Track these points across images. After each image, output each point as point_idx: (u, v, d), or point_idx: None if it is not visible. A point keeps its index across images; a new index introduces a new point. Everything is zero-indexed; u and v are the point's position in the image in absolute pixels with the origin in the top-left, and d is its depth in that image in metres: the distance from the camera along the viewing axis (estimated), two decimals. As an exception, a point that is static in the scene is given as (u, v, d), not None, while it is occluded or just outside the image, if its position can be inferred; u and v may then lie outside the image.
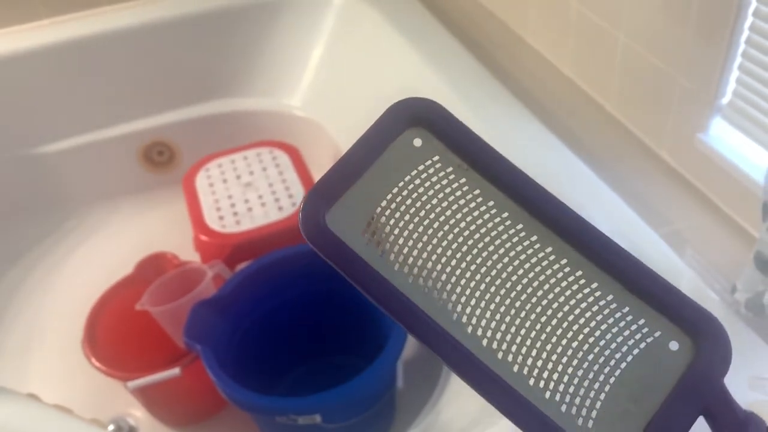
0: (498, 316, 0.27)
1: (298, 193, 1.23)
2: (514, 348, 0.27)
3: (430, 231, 0.28)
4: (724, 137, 0.93)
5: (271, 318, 1.10)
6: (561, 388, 0.27)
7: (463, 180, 0.29)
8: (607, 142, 1.09)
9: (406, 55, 1.28)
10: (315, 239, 0.27)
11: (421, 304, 0.27)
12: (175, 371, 0.98)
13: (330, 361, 1.16)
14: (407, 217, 0.28)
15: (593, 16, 1.09)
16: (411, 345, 1.01)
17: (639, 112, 1.07)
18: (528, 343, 0.27)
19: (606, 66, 1.10)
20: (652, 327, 0.27)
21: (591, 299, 0.28)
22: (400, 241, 0.28)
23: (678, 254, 0.87)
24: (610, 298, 0.28)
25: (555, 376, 0.27)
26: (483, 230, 0.28)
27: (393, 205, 0.28)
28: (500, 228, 0.28)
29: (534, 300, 0.27)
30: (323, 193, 0.28)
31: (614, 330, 0.27)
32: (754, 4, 0.83)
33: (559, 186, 1.01)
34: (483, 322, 0.27)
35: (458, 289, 0.27)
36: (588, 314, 0.27)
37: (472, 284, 0.28)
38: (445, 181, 0.28)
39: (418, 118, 0.29)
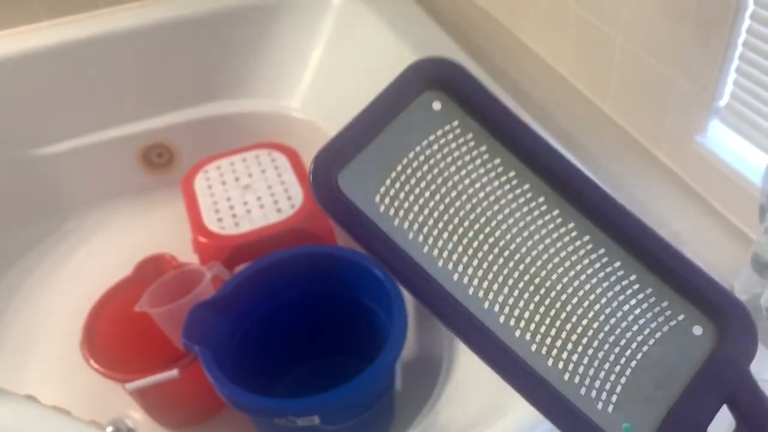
0: (516, 292, 0.26)
1: (297, 194, 1.23)
2: (532, 326, 0.26)
3: (447, 200, 0.27)
4: (721, 139, 0.93)
5: (270, 319, 1.10)
6: (580, 370, 0.26)
7: (484, 148, 0.27)
8: (605, 144, 1.09)
9: (404, 57, 1.29)
10: (326, 201, 0.26)
11: (434, 274, 0.26)
12: (174, 373, 0.98)
13: (329, 363, 1.16)
14: (423, 184, 0.27)
15: (592, 18, 1.09)
16: (410, 346, 1.01)
17: (637, 114, 1.07)
18: (547, 321, 0.26)
19: (604, 68, 1.10)
20: (676, 310, 0.27)
21: (613, 279, 0.27)
22: (415, 208, 0.26)
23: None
24: (633, 278, 0.27)
25: (574, 358, 0.26)
26: (502, 202, 0.27)
27: (408, 171, 0.27)
28: (520, 200, 0.27)
29: (554, 277, 0.26)
30: (335, 154, 0.26)
31: (636, 312, 0.26)
32: (751, 7, 0.83)
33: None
34: (500, 298, 0.26)
35: (475, 262, 0.26)
36: (609, 294, 0.26)
37: (490, 258, 0.26)
38: (464, 149, 0.27)
39: (438, 80, 0.28)
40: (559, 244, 0.27)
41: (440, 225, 0.26)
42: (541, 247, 0.27)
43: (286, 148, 1.33)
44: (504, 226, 0.27)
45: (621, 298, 0.26)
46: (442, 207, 0.27)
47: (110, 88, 1.45)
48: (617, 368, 0.26)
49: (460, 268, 0.26)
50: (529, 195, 0.27)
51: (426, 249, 0.26)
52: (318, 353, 1.16)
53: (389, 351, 0.93)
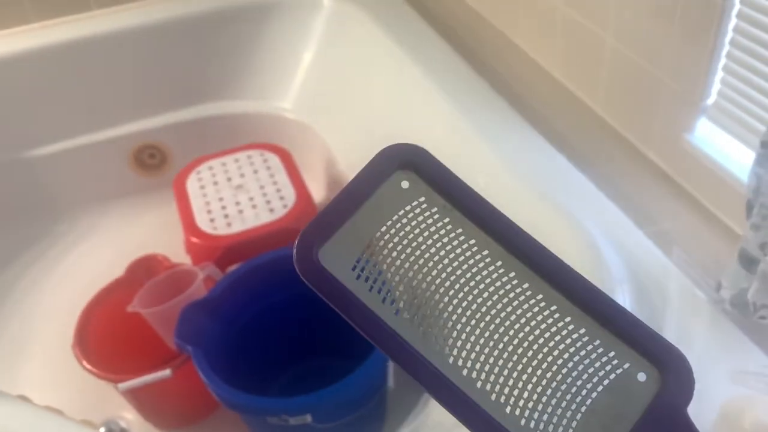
0: (478, 347, 0.29)
1: (289, 195, 1.23)
2: (492, 377, 0.29)
3: (416, 266, 0.30)
4: (709, 137, 0.94)
5: (262, 319, 1.10)
6: (536, 415, 0.28)
7: (447, 219, 0.31)
8: (595, 143, 1.10)
9: (395, 57, 1.29)
10: (308, 274, 0.29)
11: (405, 335, 0.29)
12: (166, 372, 0.98)
13: (322, 363, 1.16)
14: (395, 254, 0.30)
15: (581, 19, 1.10)
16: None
17: (626, 114, 1.08)
18: (505, 372, 0.29)
19: (594, 68, 1.11)
20: (622, 359, 0.29)
21: (565, 332, 0.29)
22: (388, 275, 0.30)
23: (665, 253, 0.88)
24: (582, 331, 0.30)
25: (530, 405, 0.28)
26: (465, 266, 0.30)
27: (382, 242, 0.30)
28: (481, 265, 0.30)
29: (511, 332, 0.29)
30: (316, 231, 0.30)
31: (586, 362, 0.29)
32: (737, 6, 0.84)
33: (546, 186, 1.02)
34: (463, 353, 0.29)
35: (441, 321, 0.29)
36: (562, 347, 0.29)
37: (455, 317, 0.29)
38: (430, 221, 0.30)
39: (406, 162, 0.31)
40: (515, 303, 0.30)
41: (410, 288, 0.30)
42: (499, 306, 0.30)
43: (279, 149, 1.33)
44: (467, 288, 0.30)
45: (572, 350, 0.29)
46: (411, 273, 0.30)
47: (102, 89, 1.45)
48: (569, 413, 0.29)
49: (429, 328, 0.29)
50: (488, 260, 0.30)
51: (397, 311, 0.29)
52: (310, 354, 1.16)
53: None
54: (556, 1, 1.14)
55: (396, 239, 0.30)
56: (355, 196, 0.30)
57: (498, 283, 0.30)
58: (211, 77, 1.50)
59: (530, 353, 0.29)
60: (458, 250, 0.30)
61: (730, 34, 0.86)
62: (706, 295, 0.82)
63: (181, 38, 1.47)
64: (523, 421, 0.28)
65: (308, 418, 0.90)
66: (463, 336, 0.29)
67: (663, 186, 1.00)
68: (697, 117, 0.95)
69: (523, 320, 0.29)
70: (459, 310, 0.29)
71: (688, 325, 0.79)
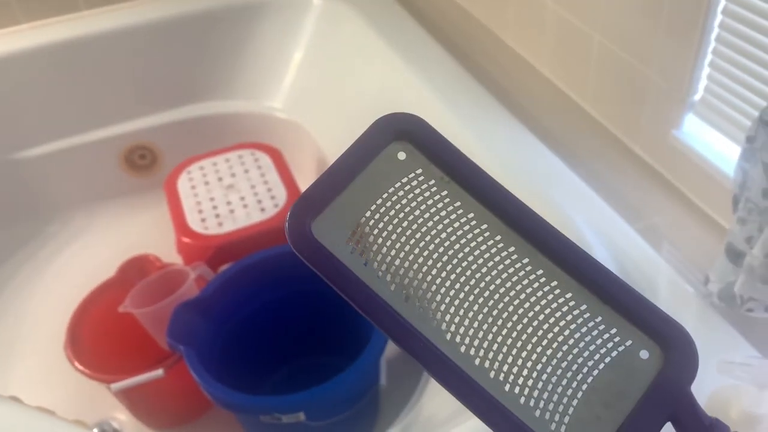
0: (476, 324, 0.28)
1: (280, 194, 1.23)
2: (491, 354, 0.28)
3: (413, 241, 0.29)
4: (696, 133, 0.95)
5: (254, 319, 1.10)
6: (536, 393, 0.28)
7: (445, 192, 0.30)
8: (584, 140, 1.10)
9: (385, 56, 1.30)
10: (300, 247, 0.28)
11: (402, 311, 0.28)
12: (159, 372, 0.98)
13: (314, 361, 1.17)
14: (390, 227, 0.29)
15: (569, 16, 1.10)
16: (394, 345, 1.02)
17: (615, 110, 1.09)
18: (504, 350, 0.28)
19: (582, 65, 1.11)
20: (624, 336, 0.29)
21: (565, 309, 0.29)
22: (384, 250, 0.29)
23: (654, 248, 0.89)
24: (584, 308, 0.29)
25: (530, 382, 0.28)
26: (463, 241, 0.29)
27: (377, 216, 0.29)
28: (479, 239, 0.29)
29: (511, 309, 0.28)
30: (309, 204, 0.29)
31: (587, 339, 0.28)
32: (723, 3, 0.85)
33: (536, 183, 1.03)
34: (461, 330, 0.28)
35: (438, 297, 0.28)
36: (562, 323, 0.28)
37: (452, 293, 0.29)
38: (427, 193, 0.29)
39: (402, 132, 0.30)
40: (515, 278, 0.29)
41: (406, 263, 0.29)
42: (498, 281, 0.29)
43: (269, 148, 1.34)
44: (465, 263, 0.29)
45: (573, 326, 0.29)
46: (407, 247, 0.29)
47: (92, 90, 1.45)
48: (570, 391, 0.28)
49: (425, 303, 0.29)
50: (487, 234, 0.29)
51: (393, 286, 0.29)
52: (303, 352, 1.17)
53: (373, 347, 0.93)
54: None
55: (392, 212, 0.29)
56: (350, 168, 0.29)
57: (497, 258, 0.29)
58: (202, 77, 1.50)
59: (530, 330, 0.28)
60: (456, 224, 0.29)
61: (716, 31, 0.87)
62: (694, 289, 0.82)
63: (171, 38, 1.47)
64: (522, 399, 0.28)
65: (301, 416, 0.91)
66: (461, 312, 0.28)
67: (651, 182, 1.01)
68: (685, 113, 0.95)
69: (522, 296, 0.29)
70: (457, 286, 0.29)
71: (676, 319, 0.79)
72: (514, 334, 0.28)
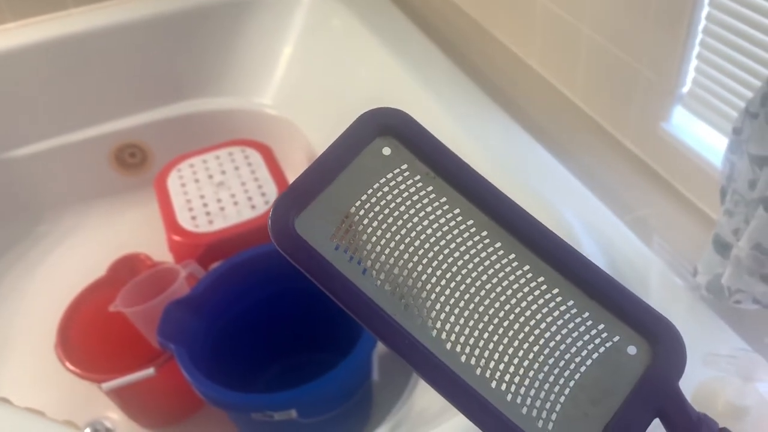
0: (462, 321, 0.28)
1: (271, 191, 1.23)
2: (477, 352, 0.28)
3: (398, 237, 0.29)
4: (685, 125, 0.95)
5: (245, 316, 1.10)
6: (522, 390, 0.27)
7: (431, 188, 0.29)
8: (574, 133, 1.10)
9: (375, 51, 1.29)
10: (283, 244, 0.28)
11: (386, 308, 0.28)
12: (150, 371, 0.98)
13: (306, 358, 1.17)
14: (375, 224, 0.29)
15: (557, 10, 1.10)
16: (385, 338, 1.02)
17: (604, 103, 1.09)
18: (491, 346, 0.28)
19: (571, 58, 1.11)
20: (611, 332, 0.28)
21: (552, 305, 0.28)
22: (368, 246, 0.28)
23: (643, 241, 0.89)
24: (570, 303, 0.29)
25: (516, 380, 0.28)
26: (449, 237, 0.29)
27: (362, 212, 0.29)
28: (465, 235, 0.29)
29: (497, 305, 0.28)
30: (292, 199, 0.28)
31: (574, 335, 0.28)
32: (709, -6, 0.85)
33: (525, 176, 1.03)
34: (447, 326, 0.28)
35: (424, 294, 0.28)
36: (549, 319, 0.28)
37: (438, 289, 0.28)
38: (412, 189, 0.29)
39: (387, 128, 0.30)
40: (501, 274, 0.29)
41: (391, 260, 0.28)
42: (484, 277, 0.29)
43: (260, 145, 1.33)
44: (450, 260, 0.29)
45: (560, 322, 0.28)
46: (393, 243, 0.29)
47: (81, 88, 1.44)
48: (557, 388, 0.28)
49: (410, 299, 0.28)
50: (473, 230, 0.29)
51: (378, 283, 0.28)
52: (295, 349, 1.16)
53: (364, 344, 0.93)
54: (533, -7, 1.14)
55: (377, 208, 0.29)
56: (334, 163, 0.29)
57: (483, 254, 0.29)
58: (191, 74, 1.49)
59: (516, 326, 0.28)
60: (442, 220, 0.29)
61: (703, 23, 0.87)
62: (683, 282, 0.82)
63: (160, 35, 1.46)
64: (509, 397, 0.27)
65: (293, 413, 0.91)
66: (447, 309, 0.28)
67: (640, 174, 1.01)
68: (673, 105, 0.95)
69: (509, 292, 0.28)
70: (443, 282, 0.28)
71: (666, 312, 0.79)
72: (501, 330, 0.28)
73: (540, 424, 0.27)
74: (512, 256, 0.29)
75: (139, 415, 1.13)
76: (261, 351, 1.14)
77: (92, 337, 1.09)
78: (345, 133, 0.30)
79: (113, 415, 1.14)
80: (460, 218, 0.29)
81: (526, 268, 0.29)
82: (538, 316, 0.28)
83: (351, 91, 1.33)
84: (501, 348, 0.28)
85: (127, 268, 1.14)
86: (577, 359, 0.28)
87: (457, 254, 0.29)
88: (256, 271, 1.08)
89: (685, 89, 0.93)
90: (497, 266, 0.29)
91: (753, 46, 0.80)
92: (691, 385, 0.60)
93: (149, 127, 1.48)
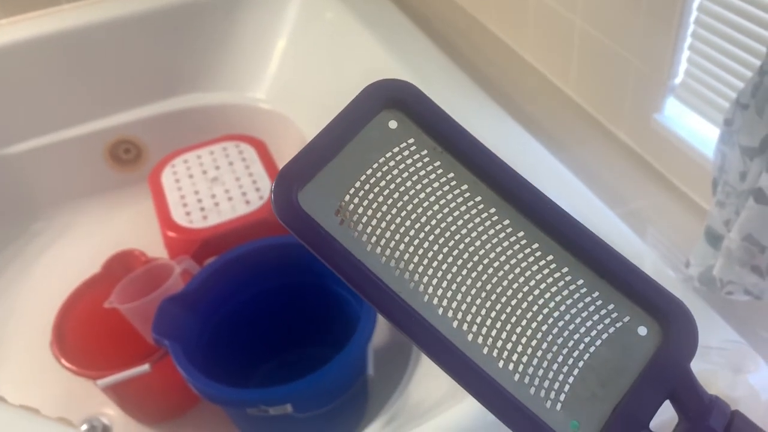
0: (469, 299, 0.27)
1: (265, 186, 1.23)
2: (484, 330, 0.27)
3: (404, 213, 0.28)
4: (678, 117, 0.95)
5: (240, 312, 1.10)
6: (530, 371, 0.27)
7: (438, 163, 0.28)
8: (567, 125, 1.10)
9: (368, 44, 1.29)
10: (286, 217, 0.27)
11: (392, 284, 0.27)
12: (145, 367, 0.98)
13: (301, 353, 1.17)
14: (381, 199, 0.28)
15: (550, 2, 1.10)
16: (381, 334, 1.02)
17: (597, 95, 1.09)
18: (498, 325, 0.27)
19: (564, 50, 1.11)
20: (621, 312, 0.28)
21: (561, 284, 0.28)
22: (373, 221, 0.28)
23: (636, 232, 0.89)
24: (580, 282, 0.28)
25: (524, 359, 0.27)
26: (456, 213, 0.28)
27: (367, 186, 0.28)
28: (473, 212, 0.28)
29: (505, 283, 0.28)
30: (296, 172, 0.28)
31: (584, 314, 0.28)
32: (701, -15, 0.84)
33: (518, 168, 1.02)
34: (454, 304, 0.27)
35: (430, 271, 0.27)
36: (558, 298, 0.28)
37: (444, 266, 0.28)
38: (419, 164, 0.28)
39: (393, 100, 0.29)
40: (509, 252, 0.28)
41: (397, 236, 0.28)
42: (492, 255, 0.28)
43: (254, 140, 1.33)
44: (457, 236, 0.28)
45: (569, 302, 0.28)
46: (399, 219, 0.28)
47: (74, 84, 1.44)
48: (565, 369, 0.27)
49: (416, 276, 0.28)
50: (481, 206, 0.28)
51: (383, 259, 0.28)
52: (291, 344, 1.17)
53: (359, 337, 0.93)
54: (525, -15, 1.14)
55: (383, 183, 0.28)
56: (338, 137, 0.28)
57: (491, 231, 0.28)
58: (185, 69, 1.49)
59: (525, 305, 0.27)
60: (449, 196, 0.28)
61: (694, 14, 0.87)
62: (676, 274, 0.83)
63: (152, 31, 1.45)
64: (517, 377, 0.27)
65: (288, 407, 0.91)
66: (454, 286, 0.27)
67: (634, 166, 1.01)
68: (666, 97, 0.95)
69: (517, 270, 0.28)
70: (450, 259, 0.28)
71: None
72: (509, 309, 0.27)
73: (548, 404, 0.27)
74: (521, 234, 0.28)
75: (136, 411, 1.13)
76: (256, 346, 1.14)
77: (87, 334, 1.09)
78: (350, 106, 0.29)
79: (110, 411, 1.14)
80: (468, 194, 0.28)
81: (535, 246, 0.28)
82: (547, 295, 0.28)
83: (344, 84, 1.33)
84: (508, 327, 0.27)
85: (121, 264, 1.13)
86: (587, 339, 0.27)
87: (464, 232, 0.28)
88: (251, 266, 1.08)
89: (678, 81, 0.93)
90: (505, 244, 0.28)
91: (744, 36, 0.80)
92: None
93: (143, 122, 1.47)
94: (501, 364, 0.27)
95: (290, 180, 0.27)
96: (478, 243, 0.28)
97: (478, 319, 0.27)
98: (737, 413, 0.27)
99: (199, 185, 1.24)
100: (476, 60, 1.26)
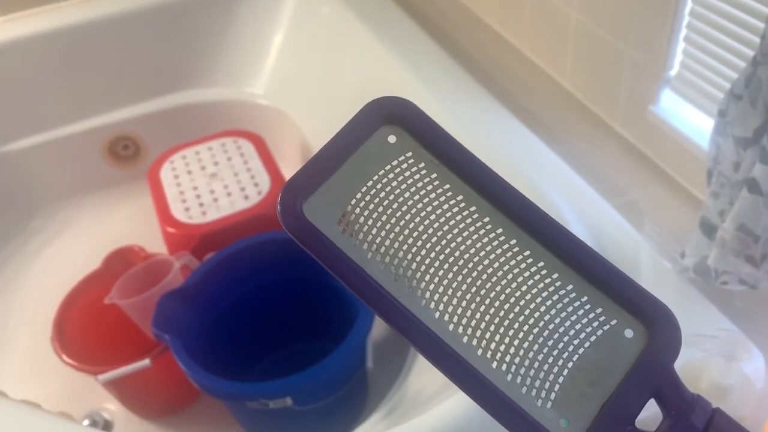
0: (464, 303, 0.29)
1: (264, 181, 1.23)
2: (478, 333, 0.29)
3: (402, 222, 0.29)
4: (673, 108, 0.95)
5: (240, 306, 1.11)
6: (522, 371, 0.28)
7: (435, 175, 0.30)
8: (563, 117, 1.11)
9: (365, 38, 1.29)
10: (292, 228, 0.29)
11: (391, 290, 0.29)
12: (146, 362, 0.99)
13: (301, 347, 1.17)
14: (381, 209, 0.29)
15: (546, -6, 1.10)
16: (380, 327, 1.03)
17: (593, 87, 1.09)
18: (492, 328, 0.29)
19: (560, 42, 1.11)
20: (609, 315, 0.29)
21: (552, 288, 0.29)
22: (374, 231, 0.29)
23: (632, 224, 0.90)
24: (570, 288, 0.29)
25: (517, 361, 0.29)
26: (452, 222, 0.30)
27: (367, 197, 0.30)
28: (468, 221, 0.30)
29: (498, 289, 0.29)
30: (301, 185, 0.29)
31: (573, 318, 0.29)
32: (695, -23, 0.84)
33: (514, 161, 1.03)
34: (449, 308, 0.29)
35: (427, 277, 0.29)
36: (549, 303, 0.29)
37: (440, 272, 0.29)
38: (417, 176, 0.30)
39: (392, 116, 0.31)
40: (502, 259, 0.30)
41: (395, 244, 0.29)
42: (486, 262, 0.29)
43: (252, 135, 1.33)
44: (453, 244, 0.30)
45: (559, 306, 0.29)
46: (397, 228, 0.30)
47: (73, 81, 1.44)
48: (556, 369, 0.29)
49: (414, 282, 0.29)
50: (475, 216, 0.30)
51: (383, 266, 0.29)
52: (290, 338, 1.17)
53: (358, 330, 0.94)
54: (521, -22, 1.14)
55: (382, 194, 0.30)
56: (340, 150, 0.30)
57: (485, 239, 0.30)
58: (182, 65, 1.49)
59: (517, 309, 0.29)
60: (445, 206, 0.30)
61: (689, 5, 0.87)
62: (672, 265, 0.83)
63: (150, 27, 1.46)
64: (509, 377, 0.28)
65: (288, 400, 0.91)
66: (450, 292, 0.29)
67: (630, 157, 1.01)
68: (661, 88, 0.96)
69: (510, 276, 0.29)
70: (446, 266, 0.29)
71: (655, 295, 0.80)
72: (502, 313, 0.29)
73: (539, 403, 0.28)
74: (513, 241, 0.30)
75: (137, 406, 1.14)
76: (256, 340, 1.15)
77: (88, 329, 1.09)
78: (351, 121, 0.31)
79: (111, 406, 1.15)
80: (463, 205, 0.30)
81: (527, 253, 0.30)
82: (538, 300, 0.29)
83: (341, 78, 1.33)
84: (502, 330, 0.29)
85: (121, 260, 1.14)
86: (576, 341, 0.29)
87: (459, 239, 0.29)
88: (249, 261, 1.09)
89: (673, 72, 0.94)
90: (499, 251, 0.30)
91: (739, 28, 0.80)
92: (676, 365, 0.61)
93: (142, 119, 1.48)
94: (494, 364, 0.29)
95: (295, 192, 0.29)
96: (472, 250, 0.29)
97: (473, 323, 0.29)
98: (718, 411, 0.29)
99: (198, 181, 1.25)
100: (472, 53, 1.26)
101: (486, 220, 0.30)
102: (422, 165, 0.30)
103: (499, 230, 0.30)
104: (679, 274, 0.81)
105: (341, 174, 0.30)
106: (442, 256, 0.29)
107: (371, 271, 0.29)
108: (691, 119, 0.93)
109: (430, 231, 0.29)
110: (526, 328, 0.29)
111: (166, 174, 1.27)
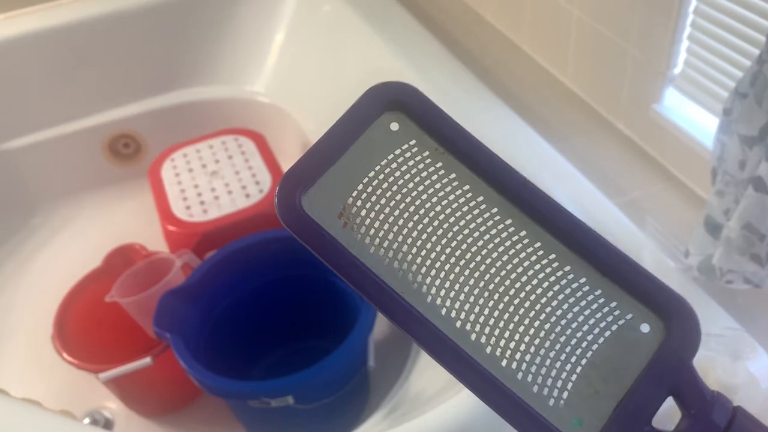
0: (472, 298, 0.28)
1: (265, 179, 1.23)
2: (487, 330, 0.27)
3: (406, 214, 0.28)
4: (677, 107, 0.95)
5: (241, 305, 1.10)
6: (533, 369, 0.27)
7: (440, 164, 0.29)
8: (566, 116, 1.10)
9: (366, 36, 1.29)
10: (290, 222, 0.27)
11: (395, 286, 0.27)
12: (147, 361, 0.98)
13: (303, 346, 1.17)
14: (383, 201, 0.28)
15: (548, -8, 1.10)
16: (382, 325, 1.03)
17: (595, 86, 1.09)
18: (501, 325, 0.27)
19: (562, 41, 1.11)
20: (624, 309, 0.28)
21: (564, 282, 0.28)
22: (376, 224, 0.28)
23: (635, 222, 0.89)
24: (583, 280, 0.28)
25: (527, 358, 0.27)
26: (458, 214, 0.28)
27: (369, 189, 0.28)
28: (475, 212, 0.28)
29: (507, 282, 0.28)
30: (299, 177, 0.28)
31: (587, 312, 0.28)
32: (699, -26, 0.84)
33: (516, 159, 1.02)
34: (457, 305, 0.27)
35: (433, 272, 0.28)
36: (561, 297, 0.28)
37: (447, 267, 0.28)
38: (421, 165, 0.28)
39: (395, 102, 0.29)
40: (512, 251, 0.28)
41: (400, 237, 0.28)
42: (495, 254, 0.28)
43: (253, 133, 1.33)
44: (460, 236, 0.28)
45: (571, 300, 0.28)
46: (401, 221, 0.28)
47: (73, 79, 1.44)
48: (568, 367, 0.27)
49: (419, 277, 0.28)
50: (483, 206, 0.28)
51: (387, 261, 0.28)
52: (292, 337, 1.17)
53: (360, 329, 0.94)
54: (524, -25, 1.14)
55: (385, 185, 0.28)
56: (340, 140, 0.28)
57: (494, 231, 0.28)
58: (183, 63, 1.49)
59: (527, 304, 0.27)
60: (451, 197, 0.28)
61: (693, 4, 0.87)
62: (674, 263, 0.83)
63: (151, 25, 1.45)
64: (520, 375, 0.27)
65: (290, 399, 0.91)
66: (457, 287, 0.27)
67: (633, 156, 1.01)
68: (665, 87, 0.95)
69: (519, 269, 0.28)
70: (452, 260, 0.28)
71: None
72: (511, 308, 0.27)
73: (551, 402, 0.27)
74: (523, 233, 0.28)
75: (138, 405, 1.13)
76: (257, 339, 1.15)
77: (89, 327, 1.09)
78: (351, 109, 0.29)
79: (112, 404, 1.14)
80: (469, 195, 0.28)
81: (538, 245, 0.28)
82: (550, 294, 0.28)
83: (342, 76, 1.33)
84: (512, 326, 0.27)
85: (122, 258, 1.14)
86: (589, 337, 0.27)
87: (466, 231, 0.28)
88: (251, 259, 1.08)
89: (677, 71, 0.93)
90: (508, 243, 0.28)
91: (743, 26, 0.80)
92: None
93: (142, 117, 1.47)
94: (504, 363, 0.27)
95: (293, 184, 0.28)
96: (480, 243, 0.28)
97: (482, 319, 0.27)
98: (739, 409, 0.27)
99: (199, 179, 1.24)
100: (474, 51, 1.26)
101: (494, 211, 0.28)
102: (427, 153, 0.28)
103: (508, 222, 0.28)
104: (682, 272, 0.80)
105: (341, 165, 0.28)
106: (448, 250, 0.28)
107: (374, 267, 0.27)
108: (694, 118, 0.92)
109: (436, 223, 0.28)
110: (537, 323, 0.27)
111: (167, 172, 1.26)
